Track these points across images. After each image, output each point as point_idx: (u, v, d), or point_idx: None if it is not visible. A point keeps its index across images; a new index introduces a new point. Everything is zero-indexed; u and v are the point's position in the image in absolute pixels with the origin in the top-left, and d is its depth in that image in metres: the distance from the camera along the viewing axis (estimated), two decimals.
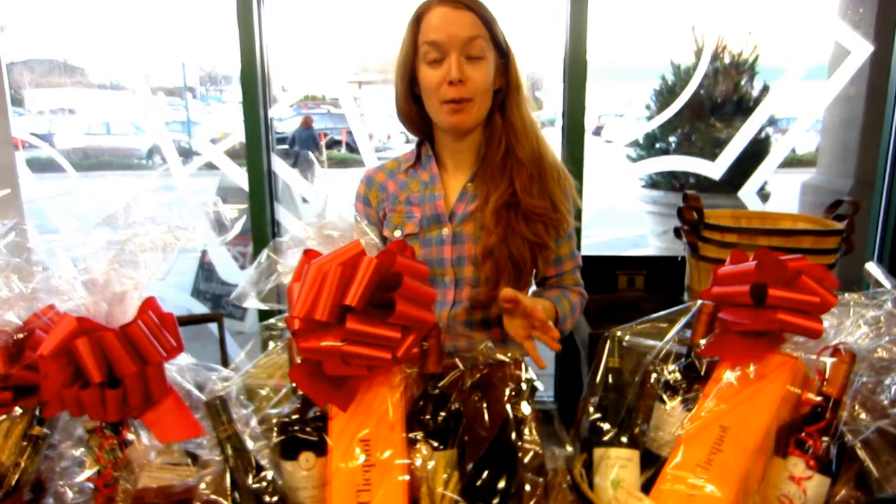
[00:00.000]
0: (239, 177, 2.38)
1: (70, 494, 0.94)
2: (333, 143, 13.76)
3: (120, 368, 0.88)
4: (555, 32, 2.34)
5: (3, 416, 0.96)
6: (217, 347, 2.09)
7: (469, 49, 1.22)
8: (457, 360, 0.87)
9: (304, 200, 2.58)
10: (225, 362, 2.06)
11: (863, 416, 0.90)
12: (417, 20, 1.25)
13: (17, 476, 0.94)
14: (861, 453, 0.86)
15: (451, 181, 1.37)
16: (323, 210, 0.95)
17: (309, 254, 0.85)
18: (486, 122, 1.32)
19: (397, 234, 1.32)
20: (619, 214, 5.69)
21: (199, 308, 3.27)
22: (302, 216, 2.50)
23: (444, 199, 1.34)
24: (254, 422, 0.92)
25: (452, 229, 1.33)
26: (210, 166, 2.57)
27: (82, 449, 0.98)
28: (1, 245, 0.97)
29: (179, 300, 3.31)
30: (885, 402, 0.91)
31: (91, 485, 0.94)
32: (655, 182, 5.83)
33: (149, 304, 0.94)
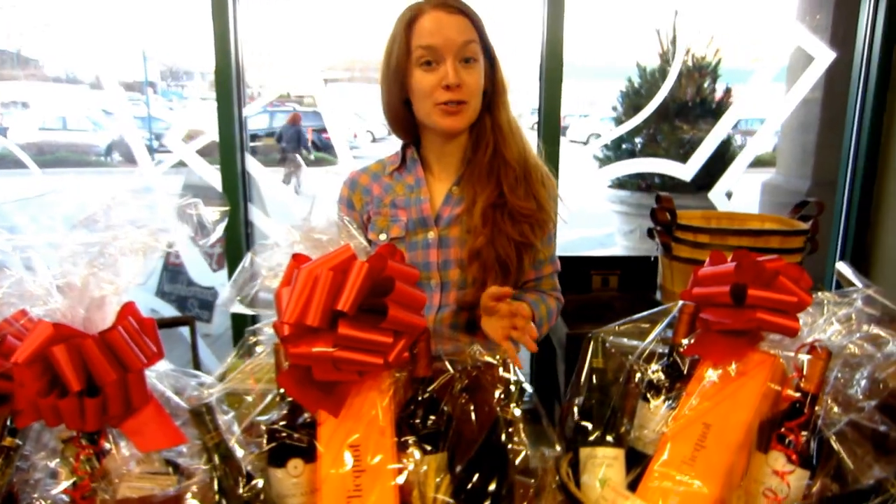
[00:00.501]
0: (211, 176, 2.33)
1: None
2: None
3: (100, 376, 0.85)
4: (524, 32, 2.36)
5: None
6: (186, 350, 2.05)
7: (464, 53, 1.23)
8: (446, 363, 0.87)
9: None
10: (197, 366, 2.02)
11: (836, 409, 0.93)
12: (409, 23, 1.24)
13: None
14: (836, 446, 0.89)
15: (437, 184, 1.37)
16: (310, 213, 0.94)
17: (298, 258, 0.84)
18: (474, 125, 1.32)
19: (382, 237, 1.32)
20: (587, 214, 5.78)
21: (165, 309, 3.20)
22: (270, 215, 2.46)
23: (429, 202, 1.34)
24: (235, 428, 0.90)
25: (438, 233, 1.33)
26: (180, 164, 2.52)
27: (57, 460, 0.95)
28: None
29: (143, 301, 3.23)
30: (858, 397, 0.95)
31: (67, 497, 0.91)
32: (622, 182, 5.94)
33: (128, 310, 0.91)
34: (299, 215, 0.94)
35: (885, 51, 2.21)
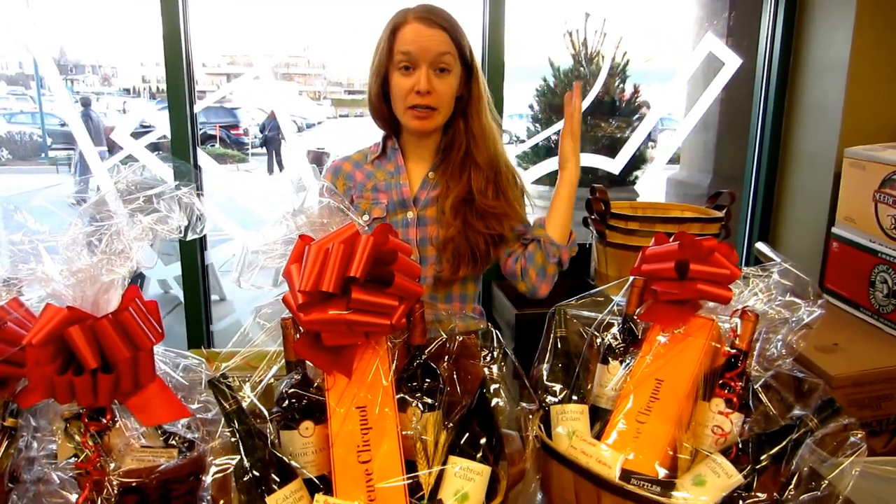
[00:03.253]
0: (162, 171, 2.32)
1: (55, 477, 0.95)
2: (207, 138, 13.21)
3: (114, 354, 0.89)
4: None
5: None
6: None
7: (438, 62, 1.35)
8: (441, 331, 0.97)
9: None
10: None
11: (761, 367, 1.10)
12: (394, 30, 1.37)
13: None
14: (762, 396, 1.05)
15: (415, 170, 1.49)
16: (302, 202, 1.01)
17: (304, 238, 0.92)
18: (450, 125, 1.46)
19: (365, 217, 1.41)
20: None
21: None
22: None
23: (408, 186, 1.47)
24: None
25: (416, 213, 1.45)
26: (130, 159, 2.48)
27: (56, 439, 0.98)
28: None
29: None
30: (775, 355, 1.13)
31: (76, 471, 0.95)
32: (542, 178, 6.17)
33: (132, 292, 0.96)
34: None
35: (783, 55, 2.48)
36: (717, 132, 4.47)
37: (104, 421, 0.96)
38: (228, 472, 0.84)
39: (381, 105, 1.45)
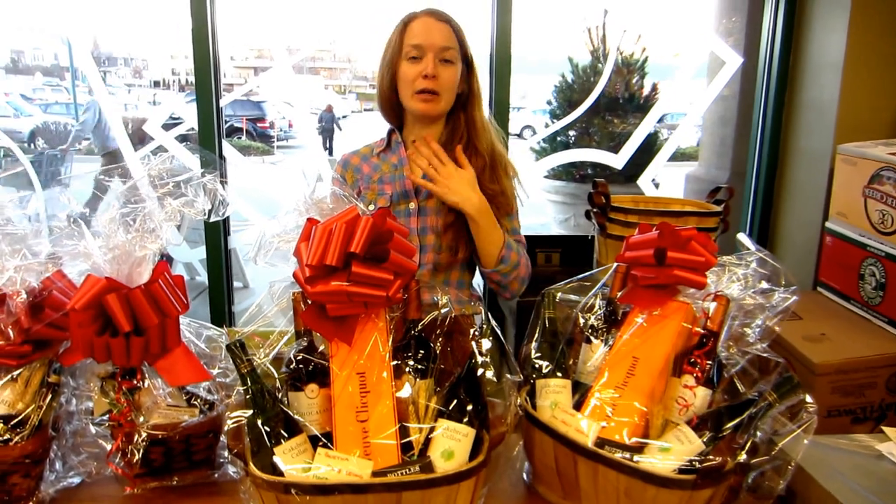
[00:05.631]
0: (190, 161, 2.46)
1: (92, 429, 1.08)
2: (234, 131, 13.46)
3: (144, 320, 1.02)
4: (472, 28, 2.57)
5: (24, 368, 1.07)
6: None
7: (443, 54, 1.50)
8: (439, 303, 1.08)
9: None
10: None
11: (734, 350, 1.19)
12: (405, 25, 1.53)
13: (39, 417, 1.05)
14: (726, 372, 1.13)
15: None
16: (313, 191, 1.13)
17: (311, 221, 1.03)
18: (450, 118, 1.58)
19: (371, 207, 1.52)
20: (525, 204, 6.04)
21: None
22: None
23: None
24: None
25: (418, 203, 1.57)
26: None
27: (94, 395, 1.11)
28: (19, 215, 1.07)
29: None
30: (752, 340, 1.21)
31: (110, 422, 1.07)
32: (557, 173, 6.24)
33: (162, 267, 1.08)
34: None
35: (784, 54, 2.54)
36: (734, 128, 4.48)
37: (135, 381, 1.08)
38: (242, 423, 0.95)
39: (392, 95, 1.58)
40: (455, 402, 1.03)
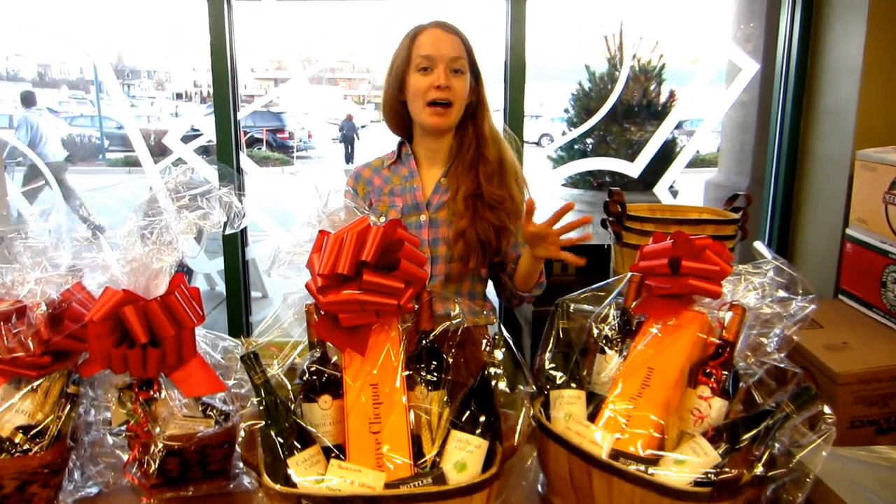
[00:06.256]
0: (209, 173, 2.51)
1: (109, 440, 1.09)
2: (254, 142, 13.63)
3: (161, 332, 1.03)
4: (486, 36, 2.59)
5: (43, 378, 1.09)
6: None
7: (453, 64, 1.51)
8: (451, 314, 1.08)
9: None
10: None
11: (752, 360, 1.17)
12: (414, 37, 1.53)
13: (58, 427, 1.07)
14: (743, 382, 1.12)
15: (427, 175, 1.61)
16: (325, 204, 1.14)
17: (323, 233, 1.04)
18: (459, 129, 1.59)
19: (382, 219, 1.53)
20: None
21: None
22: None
23: (421, 190, 1.59)
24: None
25: (429, 215, 1.58)
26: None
27: (111, 406, 1.12)
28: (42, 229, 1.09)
29: None
30: (769, 350, 1.19)
31: (128, 432, 1.09)
32: (575, 181, 6.23)
33: (178, 279, 1.10)
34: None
35: (801, 60, 2.52)
36: (754, 134, 4.44)
37: (152, 392, 1.10)
38: (255, 434, 0.96)
39: (399, 106, 1.59)
40: (468, 413, 1.03)
